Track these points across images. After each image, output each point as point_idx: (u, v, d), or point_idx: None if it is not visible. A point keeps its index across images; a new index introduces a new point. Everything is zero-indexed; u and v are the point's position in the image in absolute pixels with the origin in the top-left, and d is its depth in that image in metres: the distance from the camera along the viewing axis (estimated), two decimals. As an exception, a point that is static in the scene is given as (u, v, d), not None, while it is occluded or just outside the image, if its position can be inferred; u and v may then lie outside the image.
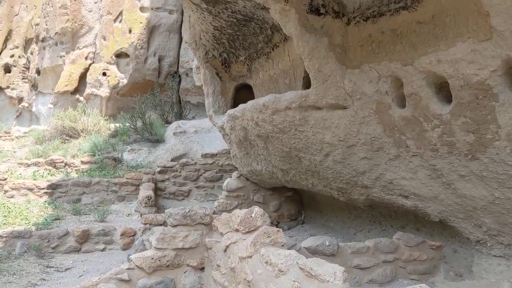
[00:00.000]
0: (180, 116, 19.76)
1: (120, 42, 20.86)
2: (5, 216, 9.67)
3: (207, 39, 9.19)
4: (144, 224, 9.02)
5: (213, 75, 9.62)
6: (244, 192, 9.58)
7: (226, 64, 9.64)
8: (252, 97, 10.01)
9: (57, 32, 21.01)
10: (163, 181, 12.65)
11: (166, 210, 5.65)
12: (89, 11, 21.23)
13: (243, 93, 10.20)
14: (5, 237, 8.31)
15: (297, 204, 9.89)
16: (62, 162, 14.45)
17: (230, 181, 9.61)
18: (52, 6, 21.27)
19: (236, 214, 4.99)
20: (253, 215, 4.88)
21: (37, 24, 22.49)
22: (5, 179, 12.27)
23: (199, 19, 8.71)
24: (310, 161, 7.41)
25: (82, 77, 21.10)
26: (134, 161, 15.22)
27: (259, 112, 7.49)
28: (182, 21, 20.69)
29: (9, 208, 10.59)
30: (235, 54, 9.44)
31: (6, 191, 12.17)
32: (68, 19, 20.85)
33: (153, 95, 19.29)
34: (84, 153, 15.65)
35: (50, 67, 21.54)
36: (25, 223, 9.40)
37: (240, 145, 8.79)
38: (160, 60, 21.33)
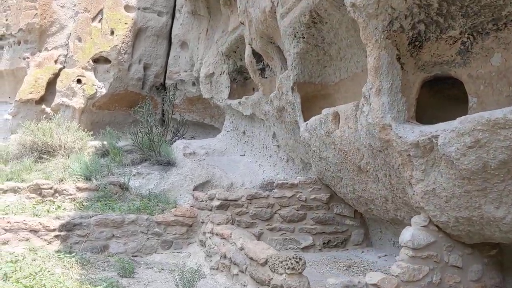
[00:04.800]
0: (175, 135, 15.08)
1: (99, 44, 15.98)
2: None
3: (405, -4, 5.12)
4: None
5: (393, 60, 5.50)
6: (436, 250, 5.51)
7: (416, 43, 5.60)
8: (445, 102, 5.93)
9: (21, 29, 15.73)
10: (224, 220, 8.08)
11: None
12: (61, 6, 16.22)
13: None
14: None
15: (499, 268, 5.91)
16: (51, 188, 9.54)
17: (417, 233, 5.46)
18: (16, -2, 15.93)
19: None
20: None
21: (-6, 18, 16.91)
22: (-6, 216, 7.16)
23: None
24: None
25: (50, 85, 15.81)
26: (144, 188, 10.54)
27: None
28: (172, 25, 16.22)
29: (15, 269, 5.62)
30: (440, 26, 5.41)
31: (-4, 234, 7.07)
32: (36, 14, 15.69)
33: (142, 109, 14.43)
34: (71, 176, 10.58)
35: (9, 70, 16.14)
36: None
37: (475, 175, 4.73)
38: (145, 68, 16.58)
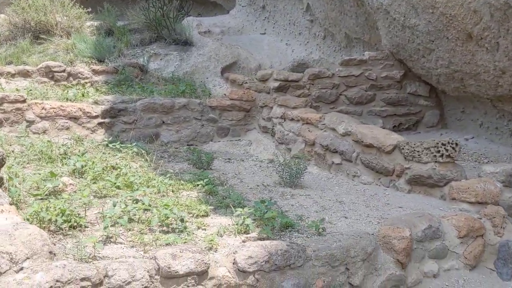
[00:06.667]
0: (179, 12, 13.15)
1: None
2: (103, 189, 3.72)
3: None
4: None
5: None
6: None
7: None
8: None
9: None
10: (284, 103, 6.95)
11: None
12: None
13: None
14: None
15: None
16: (64, 71, 8.07)
17: None
18: None
19: None
20: None
21: None
22: (24, 100, 5.77)
23: None
24: None
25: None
26: (164, 71, 9.15)
27: None
28: None
29: (85, 164, 4.39)
30: None
31: (30, 122, 5.84)
32: None
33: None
34: (78, 58, 9.04)
35: None
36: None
37: None
38: None
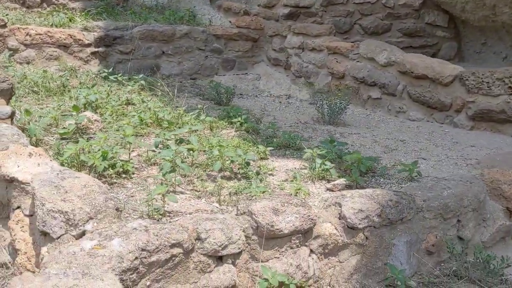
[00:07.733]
0: None
1: None
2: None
3: None
4: None
5: None
6: None
7: None
8: None
9: None
10: (295, 32, 6.28)
11: None
12: None
13: None
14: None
15: None
16: None
17: None
18: None
19: None
20: None
21: None
22: (4, 25, 4.87)
23: None
24: None
25: None
26: None
27: None
28: None
29: (99, 97, 3.63)
30: None
31: (14, 51, 4.96)
32: None
33: None
34: None
35: None
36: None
37: None
38: None
